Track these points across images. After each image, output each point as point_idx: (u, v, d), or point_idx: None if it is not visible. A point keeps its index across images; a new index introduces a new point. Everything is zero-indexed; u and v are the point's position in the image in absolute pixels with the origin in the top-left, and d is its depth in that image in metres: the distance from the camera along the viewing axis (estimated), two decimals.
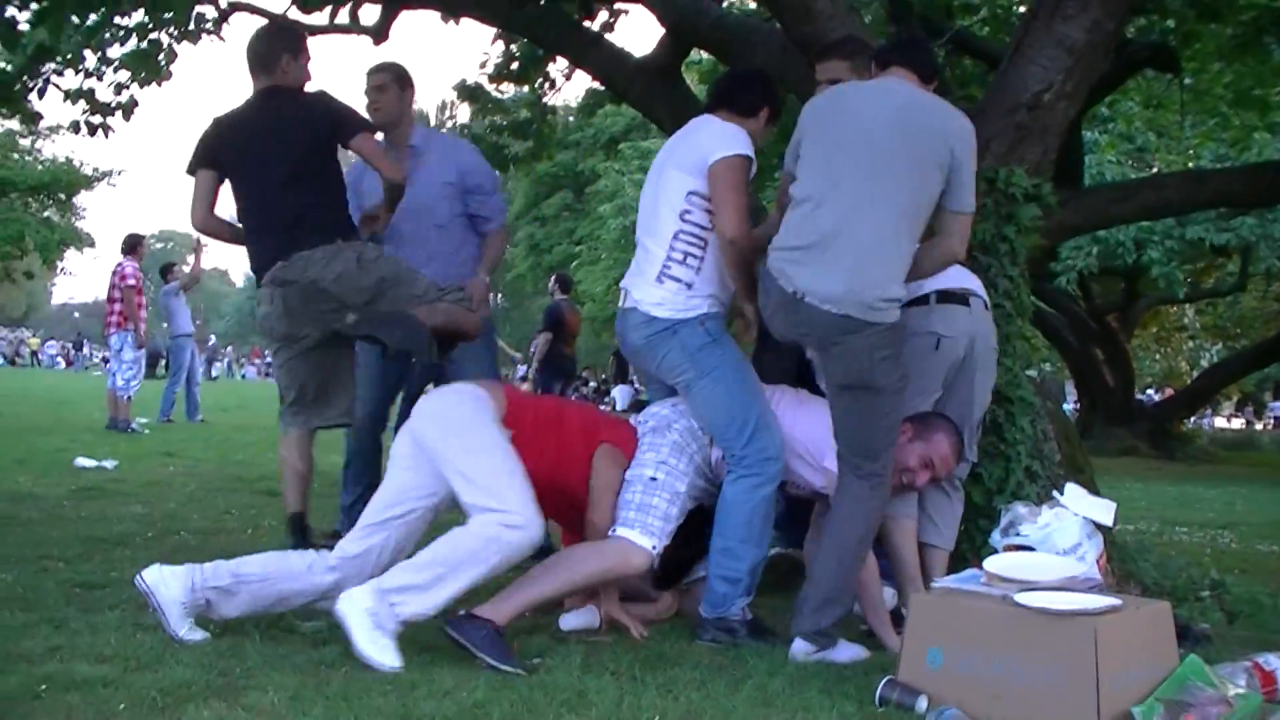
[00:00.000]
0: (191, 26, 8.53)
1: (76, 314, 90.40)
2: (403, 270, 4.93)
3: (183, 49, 8.94)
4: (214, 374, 44.67)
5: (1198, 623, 4.78)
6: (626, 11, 9.39)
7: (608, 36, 8.76)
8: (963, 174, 4.19)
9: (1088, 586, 3.65)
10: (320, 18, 8.82)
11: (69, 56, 8.76)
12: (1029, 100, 5.52)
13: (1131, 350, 25.64)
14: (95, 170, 31.55)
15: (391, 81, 5.84)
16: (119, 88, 9.23)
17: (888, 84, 4.29)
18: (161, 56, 8.86)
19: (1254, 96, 10.81)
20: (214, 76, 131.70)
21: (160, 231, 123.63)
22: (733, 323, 4.81)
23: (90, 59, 9.05)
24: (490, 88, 10.70)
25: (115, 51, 9.01)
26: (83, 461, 9.41)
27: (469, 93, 10.88)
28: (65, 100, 9.24)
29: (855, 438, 4.19)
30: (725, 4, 8.73)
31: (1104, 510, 4.14)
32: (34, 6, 7.78)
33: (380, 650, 3.78)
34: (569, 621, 4.43)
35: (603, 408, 27.78)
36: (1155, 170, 17.72)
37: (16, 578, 4.89)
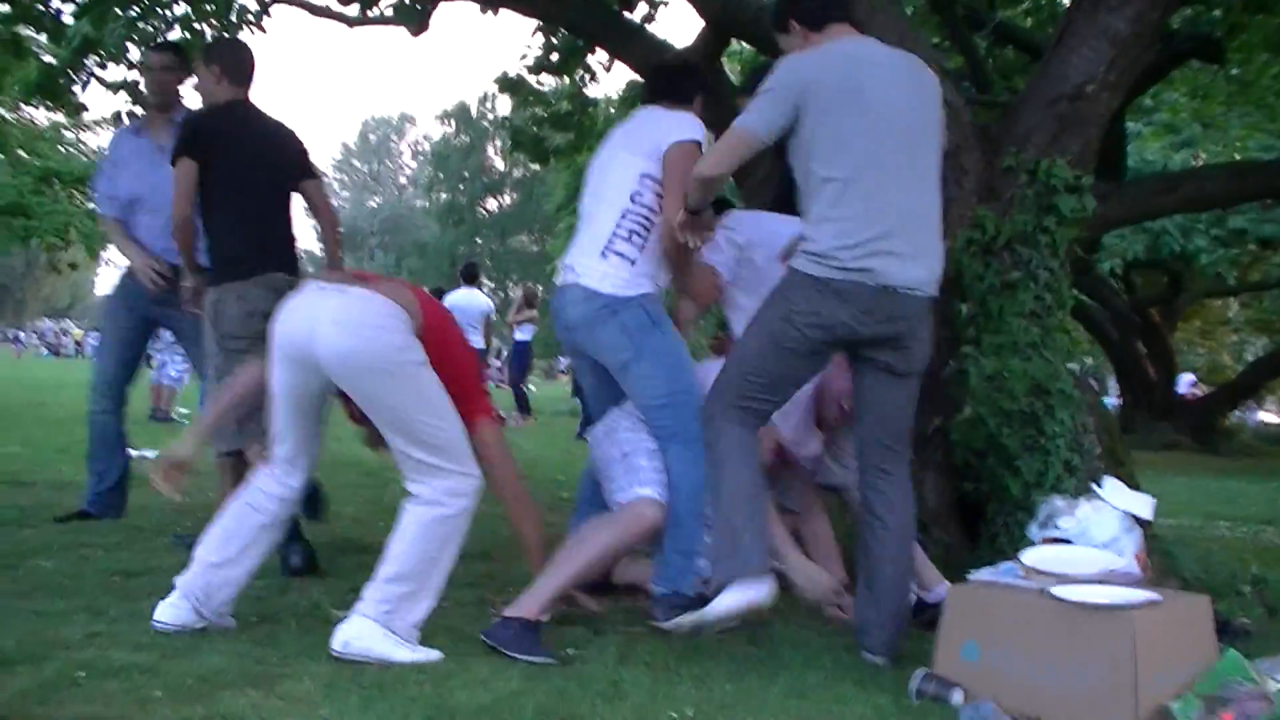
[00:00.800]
0: (233, 18, 8.56)
1: None
2: None
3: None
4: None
5: (1238, 618, 4.74)
6: (666, 3, 9.38)
7: (648, 28, 8.75)
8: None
9: (1126, 580, 3.62)
10: (359, 9, 8.84)
11: (112, 49, 8.83)
12: (1071, 91, 5.48)
13: (1174, 344, 25.39)
14: None
15: (175, 64, 5.97)
16: None
17: (885, 50, 4.22)
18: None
19: None
20: (257, 68, 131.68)
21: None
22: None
23: (133, 51, 9.11)
24: (531, 80, 10.70)
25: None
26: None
27: (509, 85, 10.88)
28: (108, 91, 9.32)
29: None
30: None
31: (1143, 504, 4.10)
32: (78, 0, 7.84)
33: (414, 651, 3.78)
34: None
35: None
36: (1200, 161, 17.52)
37: (56, 565, 4.93)
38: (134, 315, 6.16)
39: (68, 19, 8.43)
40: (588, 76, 10.45)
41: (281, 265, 5.16)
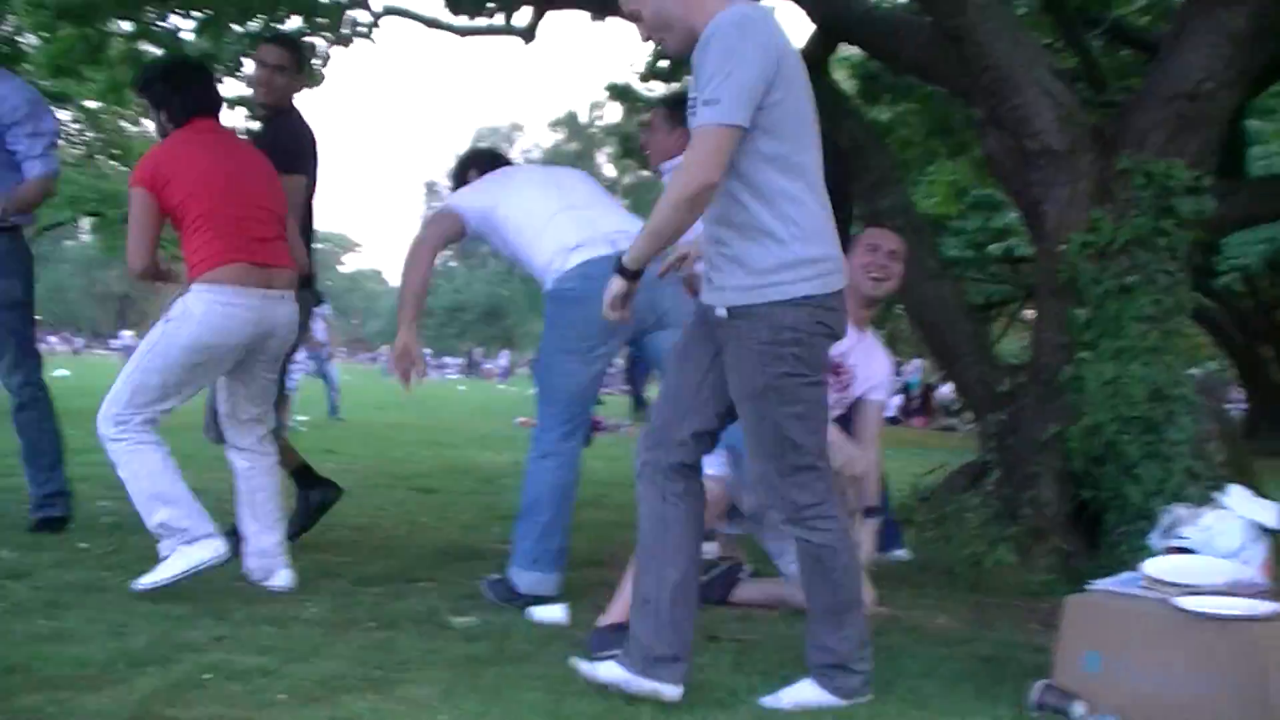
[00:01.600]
0: (345, 30, 8.70)
1: None
2: None
3: (335, 52, 9.14)
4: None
5: None
6: (774, 8, 9.34)
7: None
8: None
9: (1253, 591, 3.53)
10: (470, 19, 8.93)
11: (229, 64, 9.02)
12: (1189, 90, 5.39)
13: None
14: None
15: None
16: None
17: None
18: (316, 61, 9.06)
19: None
20: (365, 78, 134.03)
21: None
22: None
23: (249, 66, 9.29)
24: (640, 87, 10.74)
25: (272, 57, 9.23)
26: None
27: (619, 92, 10.93)
28: (226, 107, 9.50)
29: None
30: None
31: (1270, 512, 4.01)
32: (196, 16, 8.01)
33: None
34: None
35: None
36: None
37: None
38: None
39: (186, 35, 8.62)
40: None
41: None
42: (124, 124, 21.74)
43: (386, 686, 3.46)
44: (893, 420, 24.39)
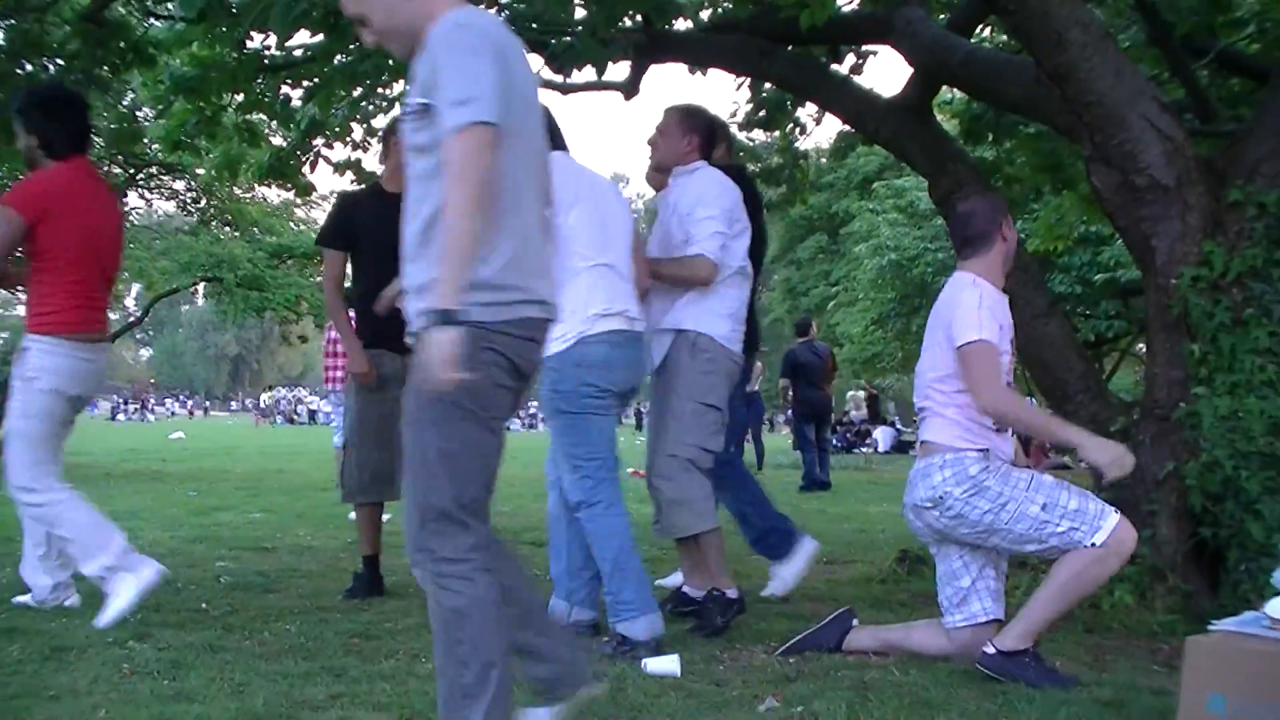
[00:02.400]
0: None
1: None
2: None
3: None
4: None
5: None
6: (875, 53, 9.34)
7: (856, 79, 8.73)
8: None
9: None
10: (575, 75, 9.03)
11: (337, 129, 9.20)
12: None
13: None
14: None
15: None
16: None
17: None
18: None
19: None
20: None
21: None
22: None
23: (357, 131, 9.49)
24: (741, 135, 10.76)
25: (379, 122, 9.42)
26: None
27: None
28: (334, 172, 9.71)
29: None
30: (974, 39, 8.62)
31: None
32: (305, 85, 8.19)
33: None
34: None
35: (863, 449, 27.54)
36: None
37: (299, 628, 5.11)
38: None
39: (296, 103, 8.82)
40: (798, 130, 10.46)
41: None
42: (236, 191, 22.24)
43: None
44: None
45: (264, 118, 9.99)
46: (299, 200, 22.86)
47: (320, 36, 7.26)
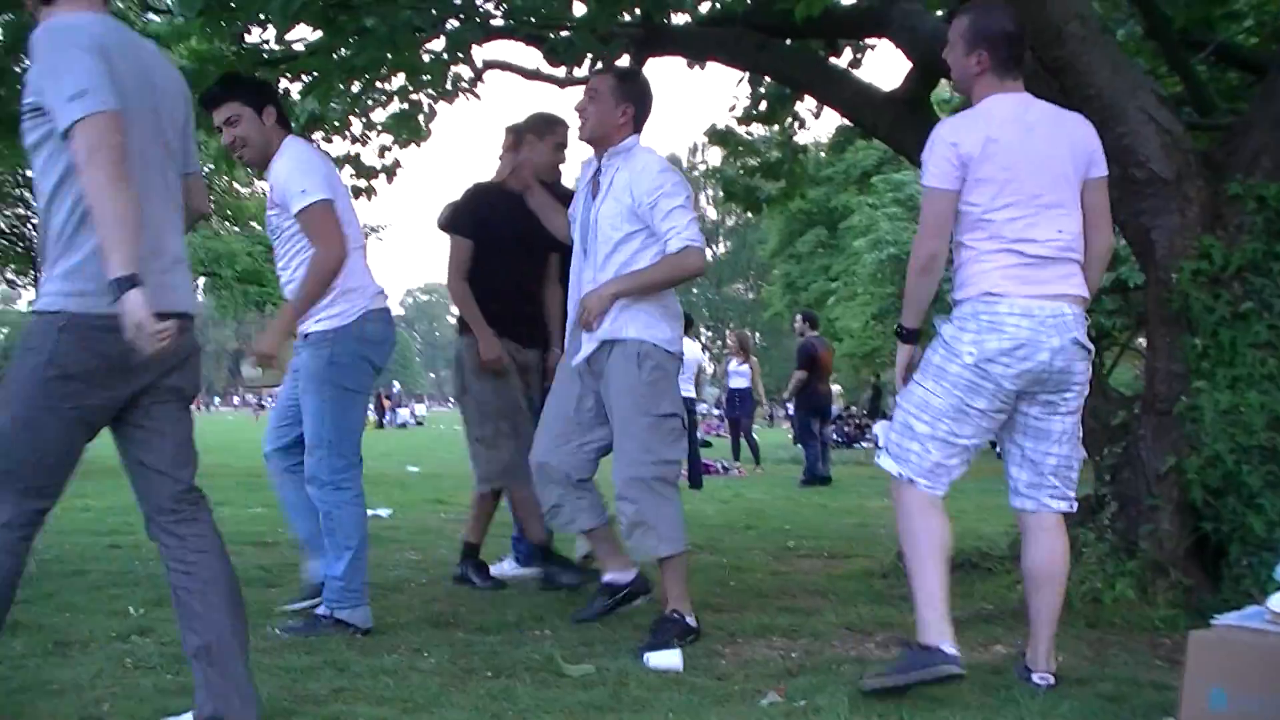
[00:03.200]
0: (448, 86, 8.82)
1: None
2: None
3: (440, 108, 9.27)
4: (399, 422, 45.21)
5: None
6: (873, 46, 9.34)
7: (855, 73, 8.73)
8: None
9: None
10: (565, 70, 9.01)
11: (336, 124, 9.20)
12: None
13: None
14: (363, 227, 32.88)
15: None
16: (382, 150, 9.63)
17: None
18: (421, 117, 9.20)
19: None
20: (471, 133, 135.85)
21: (425, 284, 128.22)
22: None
23: (356, 125, 9.47)
24: (740, 130, 10.75)
25: (378, 115, 9.41)
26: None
27: (719, 136, 10.94)
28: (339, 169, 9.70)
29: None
30: None
31: None
32: (304, 79, 8.18)
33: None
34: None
35: (864, 444, 27.57)
36: None
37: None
38: None
39: (295, 97, 8.81)
40: (797, 124, 10.45)
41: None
42: (236, 185, 22.26)
43: None
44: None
45: None
46: None
47: (319, 32, 7.26)
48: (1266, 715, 3.28)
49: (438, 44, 7.87)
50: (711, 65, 8.47)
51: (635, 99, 4.96)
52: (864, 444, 28.11)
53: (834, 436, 21.63)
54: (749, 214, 16.46)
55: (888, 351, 28.98)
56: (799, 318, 16.42)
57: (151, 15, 8.41)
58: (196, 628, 3.32)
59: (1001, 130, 4.02)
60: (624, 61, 8.33)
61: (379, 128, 9.52)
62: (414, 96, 9.06)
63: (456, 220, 6.25)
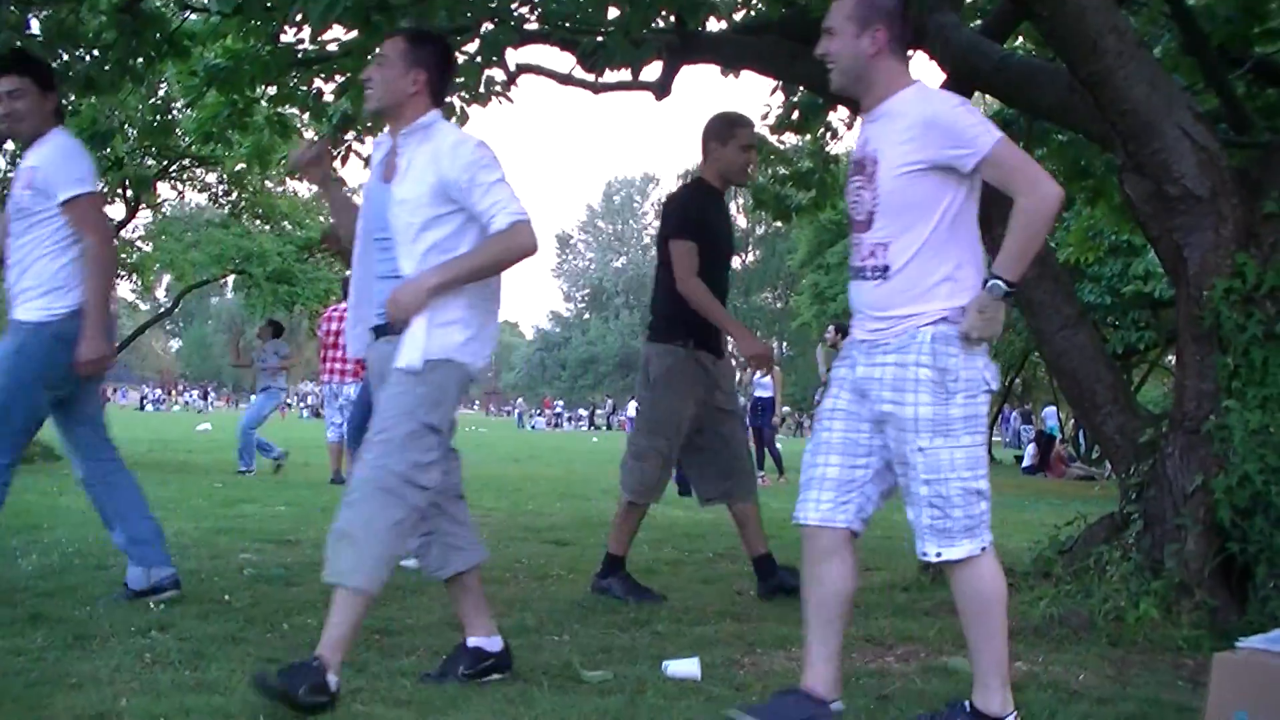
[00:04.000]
0: (481, 89, 8.83)
1: None
2: None
3: (473, 111, 9.28)
4: None
5: None
6: (909, 57, 9.31)
7: None
8: None
9: None
10: (607, 75, 9.01)
11: (369, 124, 9.22)
12: None
13: None
14: None
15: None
16: None
17: None
18: (454, 119, 9.21)
19: None
20: (503, 136, 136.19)
21: None
22: None
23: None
24: (772, 139, 10.74)
25: None
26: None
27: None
28: (365, 167, 9.72)
29: None
30: (1007, 45, 8.57)
31: None
32: (338, 79, 8.21)
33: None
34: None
35: None
36: None
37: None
38: None
39: (328, 97, 8.84)
40: (829, 134, 10.44)
41: None
42: (268, 184, 22.38)
43: None
44: (1029, 470, 24.00)
45: (296, 111, 10.01)
46: None
47: (354, 33, 7.28)
48: None
49: (472, 46, 7.89)
50: (745, 74, 8.46)
51: (429, 64, 4.24)
52: None
53: None
54: (779, 223, 16.42)
55: None
56: (830, 328, 16.38)
57: (189, 13, 8.43)
58: None
59: None
60: (657, 69, 8.34)
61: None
62: (447, 99, 9.08)
63: (686, 226, 6.10)
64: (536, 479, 15.85)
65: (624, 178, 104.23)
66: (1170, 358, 21.84)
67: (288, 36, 8.07)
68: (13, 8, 7.34)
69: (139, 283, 27.78)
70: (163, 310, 38.89)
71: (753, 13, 8.87)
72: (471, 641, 4.28)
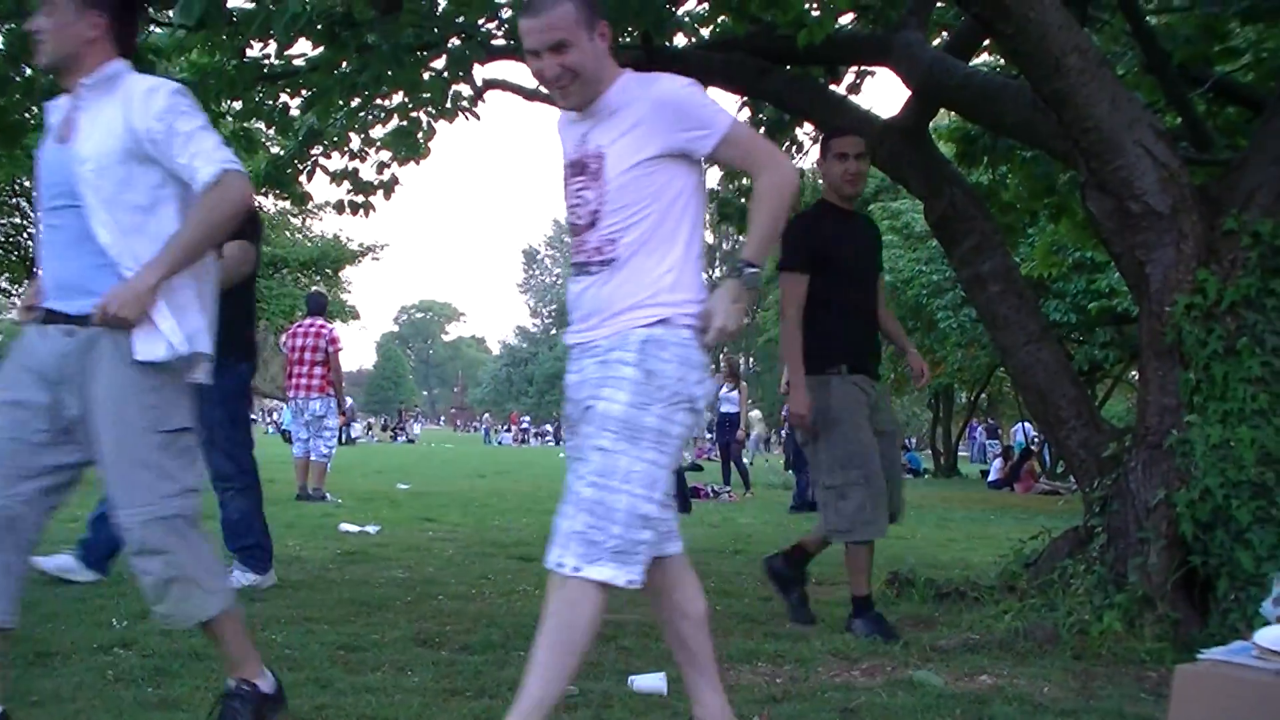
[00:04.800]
0: (448, 105, 8.84)
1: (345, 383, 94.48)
2: None
3: (440, 126, 9.29)
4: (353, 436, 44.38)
5: None
6: (873, 73, 9.39)
7: (854, 99, 8.76)
8: None
9: None
10: None
11: (335, 139, 9.23)
12: None
13: None
14: (360, 245, 33.19)
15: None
16: (381, 166, 9.66)
17: None
18: (420, 135, 9.23)
19: None
20: (470, 151, 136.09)
21: (420, 301, 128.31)
22: None
23: (354, 141, 9.51)
24: None
25: (377, 132, 9.44)
26: (346, 527, 9.78)
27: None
28: (331, 182, 9.73)
29: None
30: (971, 63, 8.63)
31: None
32: (304, 94, 8.21)
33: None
34: None
35: None
36: None
37: (285, 639, 5.09)
38: None
39: (294, 112, 8.83)
40: (796, 149, 10.49)
41: None
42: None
43: None
44: (995, 484, 24.07)
45: (262, 126, 9.99)
46: (295, 209, 22.91)
47: (321, 48, 7.27)
48: None
49: (439, 62, 7.90)
50: (712, 89, 8.49)
51: (107, 6, 3.63)
52: None
53: None
54: (744, 237, 16.50)
55: (886, 377, 28.93)
56: None
57: (154, 27, 8.40)
58: None
59: None
60: None
61: (378, 144, 9.55)
62: (414, 114, 9.09)
63: (795, 258, 5.79)
64: (503, 494, 15.81)
65: None
66: (1134, 373, 21.96)
67: (254, 51, 8.05)
68: None
69: None
70: None
71: (719, 29, 8.90)
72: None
